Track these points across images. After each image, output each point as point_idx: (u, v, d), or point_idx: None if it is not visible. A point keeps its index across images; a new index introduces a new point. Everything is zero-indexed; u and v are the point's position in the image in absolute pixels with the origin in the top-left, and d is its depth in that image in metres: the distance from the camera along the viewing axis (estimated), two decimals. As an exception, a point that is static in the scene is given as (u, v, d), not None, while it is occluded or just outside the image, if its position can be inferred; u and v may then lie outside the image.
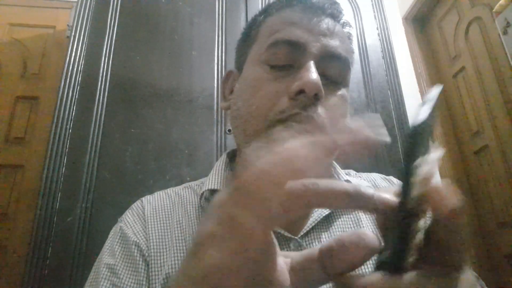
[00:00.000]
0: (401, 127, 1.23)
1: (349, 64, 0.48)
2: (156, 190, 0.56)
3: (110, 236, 0.50)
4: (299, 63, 0.45)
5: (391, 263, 0.19)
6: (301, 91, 0.42)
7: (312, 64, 0.43)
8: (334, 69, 0.46)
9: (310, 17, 0.47)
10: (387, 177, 0.58)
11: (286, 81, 0.44)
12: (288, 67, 0.45)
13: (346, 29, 0.52)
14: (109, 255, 0.46)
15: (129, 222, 0.49)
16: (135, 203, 0.53)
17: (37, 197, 0.94)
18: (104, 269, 0.44)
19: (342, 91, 0.47)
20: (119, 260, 0.44)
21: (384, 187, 0.54)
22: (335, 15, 0.50)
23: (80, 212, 0.93)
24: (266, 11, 0.52)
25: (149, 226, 0.47)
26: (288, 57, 0.45)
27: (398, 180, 0.57)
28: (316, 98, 0.42)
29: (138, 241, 0.46)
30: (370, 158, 1.15)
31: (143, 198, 0.53)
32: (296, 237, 0.43)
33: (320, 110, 0.42)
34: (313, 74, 0.42)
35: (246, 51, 0.52)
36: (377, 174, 0.59)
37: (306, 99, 0.42)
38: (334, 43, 0.46)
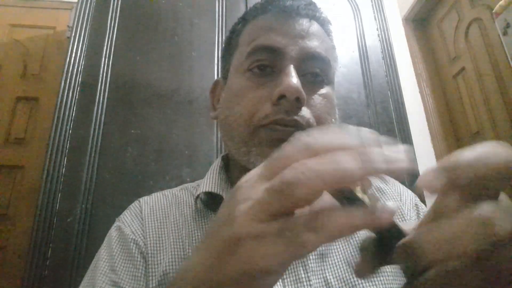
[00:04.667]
0: (401, 127, 1.23)
1: (329, 62, 0.49)
2: (156, 191, 0.57)
3: (108, 234, 0.50)
4: (279, 68, 0.45)
5: None
6: (282, 96, 0.42)
7: (291, 68, 0.43)
8: (315, 69, 0.47)
9: (286, 20, 0.48)
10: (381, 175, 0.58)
11: (268, 87, 0.45)
12: (269, 73, 0.46)
13: (326, 27, 0.52)
14: (107, 252, 0.47)
15: (127, 221, 0.50)
16: (132, 204, 0.54)
17: (37, 198, 0.94)
18: (102, 265, 0.45)
19: (325, 89, 0.48)
20: (117, 257, 0.45)
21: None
22: (311, 15, 0.50)
23: (80, 212, 0.93)
24: (244, 19, 0.54)
25: (147, 225, 0.48)
26: (268, 63, 0.46)
27: (391, 178, 0.57)
28: (298, 101, 0.42)
29: (136, 238, 0.47)
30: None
31: (140, 199, 0.55)
32: None
33: (305, 111, 0.43)
34: (293, 78, 0.42)
35: (228, 60, 0.53)
36: None
37: (288, 104, 0.42)
38: (312, 43, 0.47)
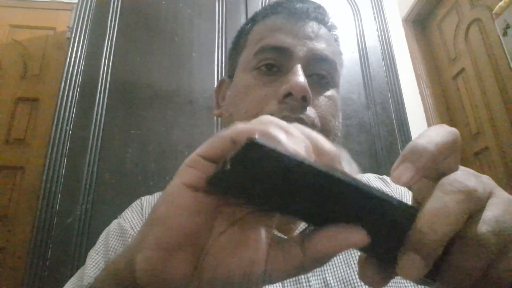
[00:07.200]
0: (401, 128, 1.23)
1: (335, 65, 0.49)
2: (157, 191, 0.57)
3: (106, 229, 0.51)
4: (287, 68, 0.46)
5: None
6: (289, 94, 0.42)
7: (299, 67, 0.44)
8: (322, 71, 0.47)
9: (295, 22, 0.48)
10: (380, 176, 0.58)
11: (275, 86, 0.45)
12: (276, 72, 0.46)
13: (333, 32, 0.53)
14: (103, 245, 0.48)
15: (128, 218, 0.50)
16: (134, 202, 0.55)
17: (37, 199, 0.93)
18: (96, 257, 0.46)
19: (331, 92, 0.48)
20: (113, 250, 0.46)
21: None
22: (320, 19, 0.51)
23: (80, 213, 0.93)
24: (253, 19, 0.54)
25: None
26: (276, 62, 0.46)
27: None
28: (304, 100, 0.42)
29: (135, 234, 0.46)
30: (371, 159, 1.15)
31: (142, 197, 0.55)
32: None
33: (309, 111, 0.44)
34: (300, 77, 0.43)
35: (236, 59, 0.53)
36: (371, 174, 0.59)
37: (295, 102, 0.42)
38: (319, 45, 0.47)
